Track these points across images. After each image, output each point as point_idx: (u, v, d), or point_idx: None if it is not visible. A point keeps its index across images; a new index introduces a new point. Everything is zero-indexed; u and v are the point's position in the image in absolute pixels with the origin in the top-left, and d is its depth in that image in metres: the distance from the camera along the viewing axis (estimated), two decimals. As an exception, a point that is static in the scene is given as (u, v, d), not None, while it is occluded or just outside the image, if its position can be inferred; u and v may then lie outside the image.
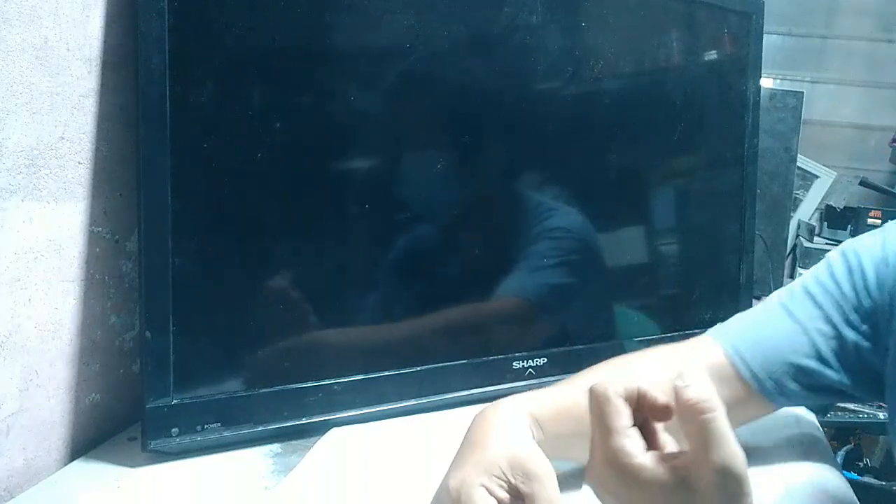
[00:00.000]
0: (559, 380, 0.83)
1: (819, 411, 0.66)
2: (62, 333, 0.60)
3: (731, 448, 0.39)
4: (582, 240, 0.88)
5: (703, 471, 0.39)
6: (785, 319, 0.65)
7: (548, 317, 0.85)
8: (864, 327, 0.61)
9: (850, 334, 0.61)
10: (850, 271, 0.63)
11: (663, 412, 0.42)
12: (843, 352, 0.62)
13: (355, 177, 0.72)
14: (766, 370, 0.63)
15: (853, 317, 0.62)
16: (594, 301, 0.90)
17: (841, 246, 0.66)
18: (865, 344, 0.61)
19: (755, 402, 0.63)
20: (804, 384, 0.62)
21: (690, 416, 0.39)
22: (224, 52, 0.63)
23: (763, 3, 1.01)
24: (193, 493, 0.58)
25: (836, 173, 2.23)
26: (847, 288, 0.63)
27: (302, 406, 0.67)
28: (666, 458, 0.41)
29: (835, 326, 0.62)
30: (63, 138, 0.58)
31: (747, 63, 1.00)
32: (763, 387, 0.63)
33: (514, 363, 0.81)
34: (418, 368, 0.75)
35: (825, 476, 0.67)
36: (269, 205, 0.67)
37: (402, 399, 0.73)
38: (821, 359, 0.62)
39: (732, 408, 0.63)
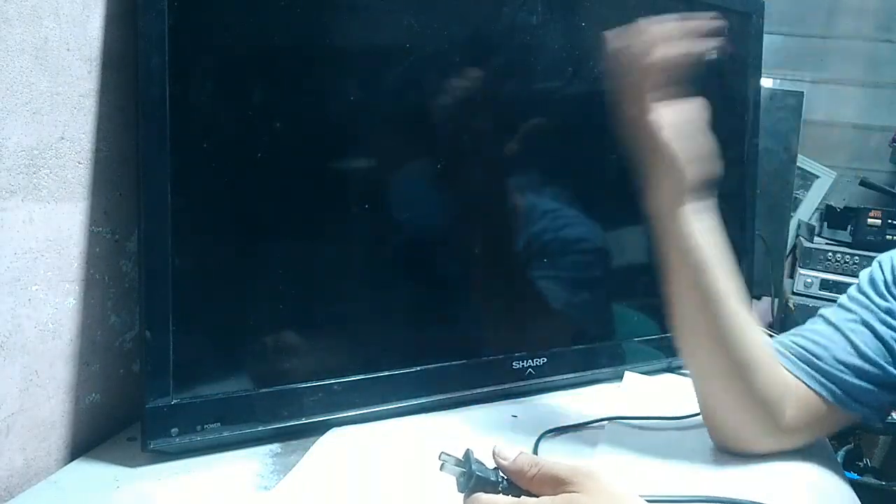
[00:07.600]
0: (559, 380, 0.84)
1: (881, 419, 0.67)
2: (62, 333, 0.60)
3: None
4: (599, 248, 0.89)
5: None
6: (820, 323, 0.67)
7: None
8: None
9: (888, 334, 0.63)
10: (873, 280, 0.66)
11: None
12: (888, 350, 0.63)
13: (356, 177, 0.72)
14: (811, 364, 0.65)
15: (888, 318, 0.63)
16: (597, 301, 0.90)
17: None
18: None
19: (819, 404, 0.64)
20: (859, 376, 0.63)
21: None
22: (224, 52, 0.64)
23: (763, 3, 1.01)
24: (193, 492, 0.58)
25: (836, 173, 2.22)
26: (873, 294, 0.65)
27: (302, 406, 0.67)
28: None
29: (871, 328, 0.63)
30: (63, 138, 0.58)
31: (747, 63, 1.00)
32: (812, 377, 0.64)
33: (513, 363, 0.81)
34: (418, 368, 0.75)
35: (825, 476, 0.67)
36: (269, 204, 0.67)
37: (402, 399, 0.73)
38: (863, 356, 0.63)
39: (808, 422, 0.65)
